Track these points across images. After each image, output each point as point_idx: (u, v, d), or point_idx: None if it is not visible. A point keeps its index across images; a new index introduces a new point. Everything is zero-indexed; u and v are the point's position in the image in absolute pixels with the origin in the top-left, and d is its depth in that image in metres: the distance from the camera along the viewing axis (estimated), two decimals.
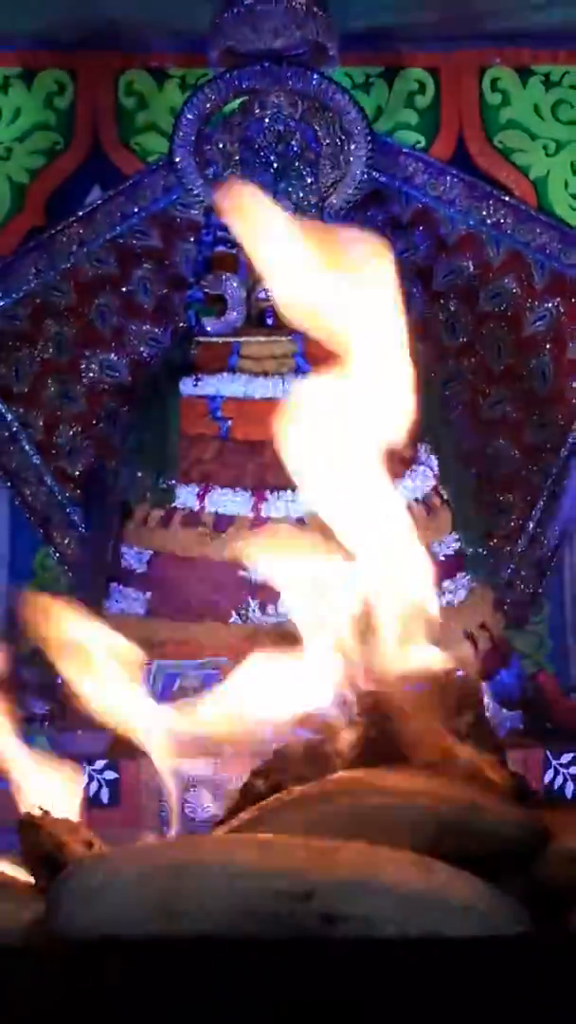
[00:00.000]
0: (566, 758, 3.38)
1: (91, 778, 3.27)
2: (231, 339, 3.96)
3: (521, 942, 0.98)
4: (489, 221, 4.39)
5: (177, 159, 4.10)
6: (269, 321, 3.94)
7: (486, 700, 3.67)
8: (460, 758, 1.08)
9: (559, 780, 3.38)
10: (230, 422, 3.84)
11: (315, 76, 4.07)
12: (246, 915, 0.96)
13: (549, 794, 3.28)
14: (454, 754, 1.09)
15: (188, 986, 0.96)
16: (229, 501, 3.76)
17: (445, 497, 3.92)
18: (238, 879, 0.96)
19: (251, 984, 0.96)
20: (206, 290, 4.02)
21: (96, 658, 1.36)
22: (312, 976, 0.96)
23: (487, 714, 1.14)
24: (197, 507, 3.78)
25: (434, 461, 3.94)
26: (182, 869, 0.97)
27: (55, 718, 3.52)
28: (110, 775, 3.30)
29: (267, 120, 4.07)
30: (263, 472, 3.77)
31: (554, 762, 3.37)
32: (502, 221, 4.39)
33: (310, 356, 3.89)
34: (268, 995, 0.96)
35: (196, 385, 3.89)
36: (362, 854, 0.98)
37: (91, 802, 3.22)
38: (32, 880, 1.11)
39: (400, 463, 3.87)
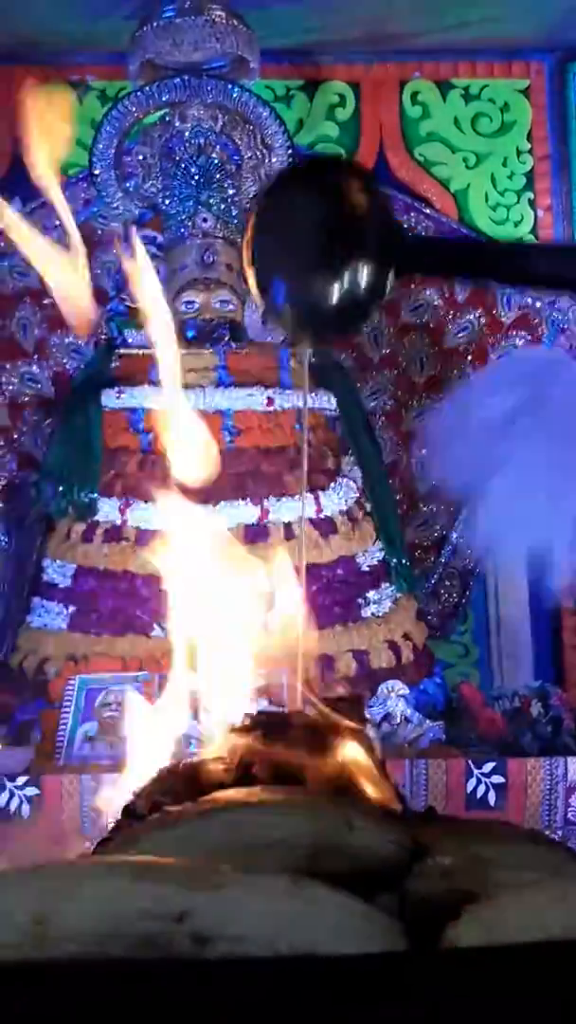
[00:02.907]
0: (488, 767, 3.39)
1: (11, 794, 3.24)
2: (153, 352, 3.95)
3: (393, 959, 0.98)
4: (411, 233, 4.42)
5: (97, 172, 4.09)
6: (190, 333, 3.94)
7: (411, 709, 3.69)
8: (337, 777, 1.08)
9: (481, 789, 3.39)
10: (152, 435, 3.83)
11: (235, 89, 4.08)
12: (117, 938, 0.96)
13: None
14: (332, 773, 1.09)
15: (60, 1011, 0.96)
16: (151, 515, 3.75)
17: (368, 509, 3.93)
18: (108, 901, 0.96)
19: (123, 1007, 0.95)
20: (127, 302, 4.01)
21: None
22: (184, 997, 0.95)
23: (370, 730, 1.15)
24: (119, 521, 3.77)
25: (357, 473, 3.96)
26: (52, 893, 0.97)
27: None
28: (31, 791, 3.28)
29: (187, 133, 4.07)
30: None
31: (476, 771, 3.38)
32: (423, 233, 4.41)
33: (232, 369, 3.90)
34: (141, 1018, 0.95)
35: (118, 398, 3.88)
36: (234, 873, 0.98)
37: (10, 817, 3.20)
38: None
39: (323, 475, 3.88)
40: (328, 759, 1.12)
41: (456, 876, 1.03)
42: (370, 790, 1.08)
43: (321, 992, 0.96)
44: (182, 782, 1.13)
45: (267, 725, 1.13)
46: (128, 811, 1.14)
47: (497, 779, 3.36)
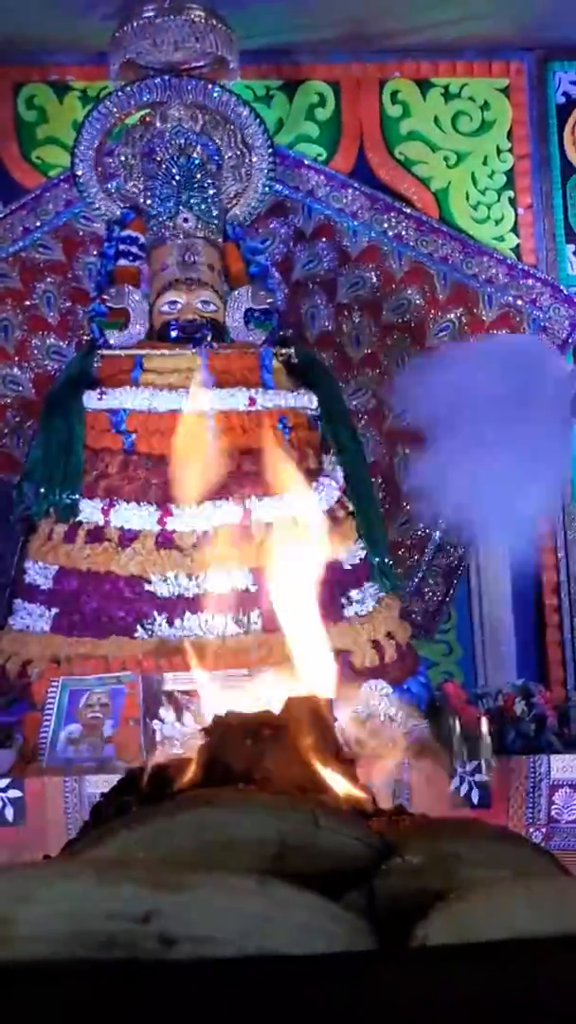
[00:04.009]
0: (471, 766, 3.39)
1: None
2: (134, 352, 3.95)
3: (361, 959, 0.98)
4: (391, 233, 4.42)
5: (79, 172, 4.08)
6: (172, 334, 3.93)
7: (394, 708, 3.69)
8: (304, 776, 1.08)
9: (464, 788, 3.39)
10: (134, 436, 3.82)
11: (216, 89, 4.07)
12: (83, 939, 0.95)
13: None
14: (299, 772, 1.09)
15: (27, 1011, 0.95)
16: (134, 516, 3.73)
17: (350, 508, 3.92)
18: (74, 902, 0.96)
19: (90, 1007, 0.95)
20: (109, 304, 4.00)
21: None
22: (150, 998, 0.95)
23: (336, 732, 1.15)
24: (102, 522, 3.75)
25: (339, 472, 3.94)
26: (17, 894, 0.96)
27: None
28: (14, 793, 3.27)
29: (168, 133, 4.05)
30: (168, 486, 3.75)
31: (459, 770, 3.38)
32: (404, 233, 4.42)
33: (214, 369, 3.89)
34: (108, 1018, 0.95)
35: (100, 399, 3.86)
36: (201, 874, 0.97)
37: None
38: None
39: (306, 474, 3.87)
40: (295, 759, 1.12)
41: (425, 874, 1.03)
42: (338, 789, 1.08)
43: (288, 993, 0.96)
44: (150, 783, 1.12)
45: (235, 726, 1.13)
46: (96, 812, 1.13)
47: (480, 777, 3.36)
